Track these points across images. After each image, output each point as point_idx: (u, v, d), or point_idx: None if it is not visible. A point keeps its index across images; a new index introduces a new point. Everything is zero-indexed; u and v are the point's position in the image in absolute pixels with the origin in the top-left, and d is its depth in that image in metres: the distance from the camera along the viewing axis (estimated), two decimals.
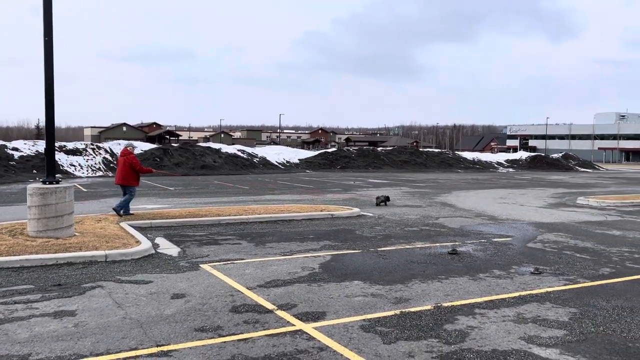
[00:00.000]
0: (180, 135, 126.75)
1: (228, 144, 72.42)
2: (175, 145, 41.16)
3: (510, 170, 48.95)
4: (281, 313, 5.77)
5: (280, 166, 40.92)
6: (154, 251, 8.95)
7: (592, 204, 18.34)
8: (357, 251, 9.28)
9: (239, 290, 6.63)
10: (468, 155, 54.22)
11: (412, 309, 5.92)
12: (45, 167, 9.70)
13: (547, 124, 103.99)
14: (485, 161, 51.91)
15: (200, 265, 7.99)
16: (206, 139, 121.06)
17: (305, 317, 5.65)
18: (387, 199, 16.97)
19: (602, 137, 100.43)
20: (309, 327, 5.33)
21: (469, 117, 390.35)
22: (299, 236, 10.77)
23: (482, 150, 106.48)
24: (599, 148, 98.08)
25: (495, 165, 51.09)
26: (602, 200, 18.65)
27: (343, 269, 7.86)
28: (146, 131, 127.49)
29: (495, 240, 10.72)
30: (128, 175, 12.28)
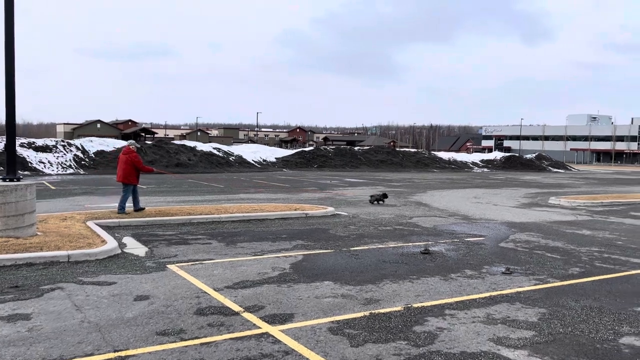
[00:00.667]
0: (156, 133, 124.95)
1: (205, 142, 71.70)
2: (149, 142, 40.42)
3: (485, 170, 49.57)
4: (248, 315, 5.61)
5: (256, 165, 40.61)
6: (120, 251, 8.67)
7: (564, 204, 18.61)
8: (329, 251, 9.15)
9: (205, 292, 6.43)
10: (444, 155, 54.72)
11: (382, 310, 5.82)
12: (6, 163, 9.32)
13: (521, 125, 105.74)
14: (461, 161, 52.47)
15: (168, 266, 7.76)
16: (182, 137, 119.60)
17: (272, 319, 5.49)
18: (385, 195, 17.14)
19: (574, 138, 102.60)
20: (275, 330, 5.17)
21: (445, 118, 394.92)
22: (272, 236, 10.60)
23: (458, 151, 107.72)
24: (571, 149, 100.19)
25: (471, 165, 51.67)
26: (573, 200, 18.94)
27: (314, 269, 7.72)
28: (121, 128, 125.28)
29: (468, 239, 10.72)
30: (130, 173, 12.25)
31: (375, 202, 16.91)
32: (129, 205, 12.39)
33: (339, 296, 6.36)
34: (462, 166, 50.61)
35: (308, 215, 13.37)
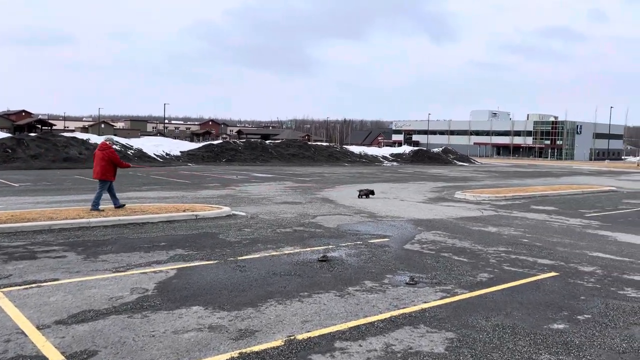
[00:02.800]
0: (54, 125, 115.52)
1: (113, 136, 66.59)
2: (33, 134, 36.23)
3: (395, 164, 50.19)
4: None
5: (158, 159, 37.88)
6: None
7: (469, 198, 18.51)
8: (211, 262, 7.75)
9: (22, 332, 4.81)
10: (355, 149, 54.79)
11: (256, 348, 4.56)
12: None
13: (429, 120, 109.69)
14: (372, 155, 52.79)
15: None
16: (84, 129, 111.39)
17: None
18: (371, 192, 17.81)
19: (477, 133, 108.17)
20: None
21: (358, 113, 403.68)
22: (148, 244, 8.99)
23: (370, 145, 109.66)
24: (474, 143, 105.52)
25: (381, 159, 52.14)
26: (477, 194, 18.93)
27: (185, 289, 6.30)
28: (13, 119, 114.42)
29: (372, 241, 9.79)
30: (107, 170, 11.87)
31: (364, 197, 17.57)
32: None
33: (205, 329, 5.00)
34: (372, 160, 50.89)
35: (199, 217, 11.83)
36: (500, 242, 10.13)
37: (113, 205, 12.16)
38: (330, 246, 9.19)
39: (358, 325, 5.17)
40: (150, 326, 5.02)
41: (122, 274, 6.95)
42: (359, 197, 17.60)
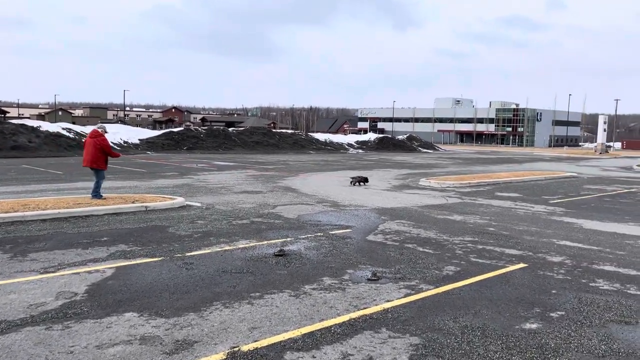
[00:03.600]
0: (8, 112, 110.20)
1: (68, 123, 63.81)
2: None
3: (360, 151, 49.89)
4: None
5: (115, 147, 36.30)
6: None
7: (434, 185, 18.22)
8: (156, 259, 7.04)
9: None
10: (320, 136, 54.19)
11: None
12: None
13: (393, 108, 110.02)
14: (337, 142, 52.33)
15: None
16: (40, 117, 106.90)
17: None
18: (365, 179, 17.80)
19: (441, 120, 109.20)
20: None
21: (325, 100, 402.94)
22: (88, 239, 8.18)
23: (336, 132, 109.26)
24: (438, 130, 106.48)
25: (346, 147, 51.75)
26: (442, 181, 18.66)
27: (121, 292, 5.59)
28: None
29: (334, 232, 9.24)
30: (97, 158, 11.59)
31: (357, 184, 17.54)
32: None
33: (136, 341, 4.34)
34: (338, 147, 50.44)
35: (149, 208, 11.02)
36: (466, 231, 9.75)
37: (90, 194, 11.81)
38: (288, 239, 8.59)
39: (312, 332, 4.59)
40: (70, 340, 4.31)
41: (51, 275, 6.17)
42: (351, 184, 17.60)
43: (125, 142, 38.01)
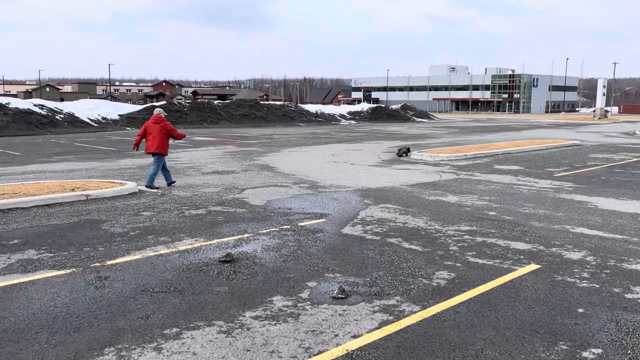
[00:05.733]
0: None
1: (56, 99, 61.45)
2: None
3: (352, 122, 48.05)
4: None
5: (93, 124, 34.40)
6: None
7: (426, 158, 16.61)
8: (63, 272, 5.45)
9: None
10: (311, 108, 52.18)
11: None
12: None
13: (387, 77, 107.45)
14: (328, 114, 50.39)
15: None
16: (28, 94, 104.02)
17: None
18: (408, 150, 17.64)
19: (436, 88, 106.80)
20: None
21: (319, 71, 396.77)
22: None
23: (330, 103, 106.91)
24: (433, 99, 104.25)
25: (338, 118, 49.86)
26: (436, 154, 17.04)
27: None
28: None
29: (304, 224, 7.67)
30: (165, 143, 11.30)
31: (403, 155, 17.32)
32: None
33: None
34: (329, 119, 48.54)
35: (90, 197, 9.39)
36: (463, 217, 8.20)
37: (166, 182, 11.24)
38: (245, 235, 7.01)
39: None
40: None
41: None
42: (398, 155, 17.37)
43: (103, 118, 36.05)
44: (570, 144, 22.81)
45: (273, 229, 7.36)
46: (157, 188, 10.75)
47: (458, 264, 5.78)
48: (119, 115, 37.73)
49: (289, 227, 7.51)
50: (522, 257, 6.09)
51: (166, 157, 11.48)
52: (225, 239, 6.81)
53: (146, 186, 10.77)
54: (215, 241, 6.72)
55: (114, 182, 10.60)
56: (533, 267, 5.71)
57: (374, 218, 8.11)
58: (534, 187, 11.21)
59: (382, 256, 6.06)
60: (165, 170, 11.37)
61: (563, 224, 7.77)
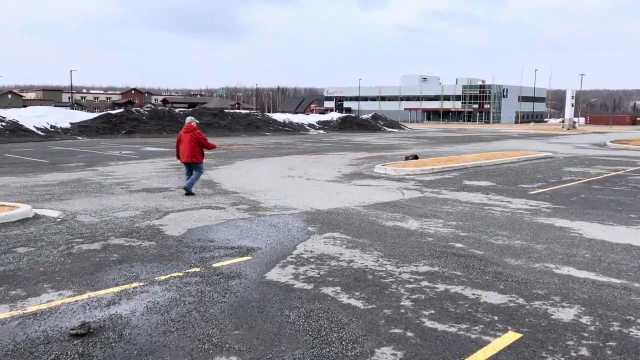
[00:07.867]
0: None
1: (18, 107, 58.08)
2: None
3: (321, 132, 46.55)
4: None
5: (39, 132, 31.95)
6: None
7: (390, 173, 15.09)
8: None
9: None
10: (279, 117, 50.50)
11: None
12: None
13: (359, 86, 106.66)
14: (297, 123, 48.79)
15: None
16: None
17: None
18: (415, 157, 18.48)
19: (408, 98, 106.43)
20: None
21: (293, 80, 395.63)
22: None
23: (303, 112, 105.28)
24: (405, 108, 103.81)
25: (307, 127, 48.31)
26: (400, 167, 15.54)
27: None
28: None
29: (220, 265, 5.96)
30: (196, 152, 11.04)
31: (411, 157, 18.33)
32: None
33: None
34: (297, 128, 46.92)
35: None
36: (423, 251, 6.61)
37: (185, 189, 11.04)
38: (133, 285, 5.25)
39: None
40: None
41: None
42: (405, 159, 18.20)
43: (52, 126, 33.59)
44: (542, 155, 21.68)
45: (175, 274, 5.62)
46: (194, 194, 10.92)
47: (409, 333, 4.16)
48: (70, 123, 35.31)
49: (198, 269, 5.79)
50: (496, 318, 4.51)
51: (201, 165, 11.21)
52: (102, 292, 5.04)
53: (186, 194, 10.89)
54: (86, 295, 4.94)
55: (4, 205, 8.66)
56: (511, 337, 4.13)
57: (313, 254, 6.45)
58: (508, 209, 9.75)
59: (308, 321, 4.39)
60: (191, 177, 11.13)
61: (545, 262, 6.26)
